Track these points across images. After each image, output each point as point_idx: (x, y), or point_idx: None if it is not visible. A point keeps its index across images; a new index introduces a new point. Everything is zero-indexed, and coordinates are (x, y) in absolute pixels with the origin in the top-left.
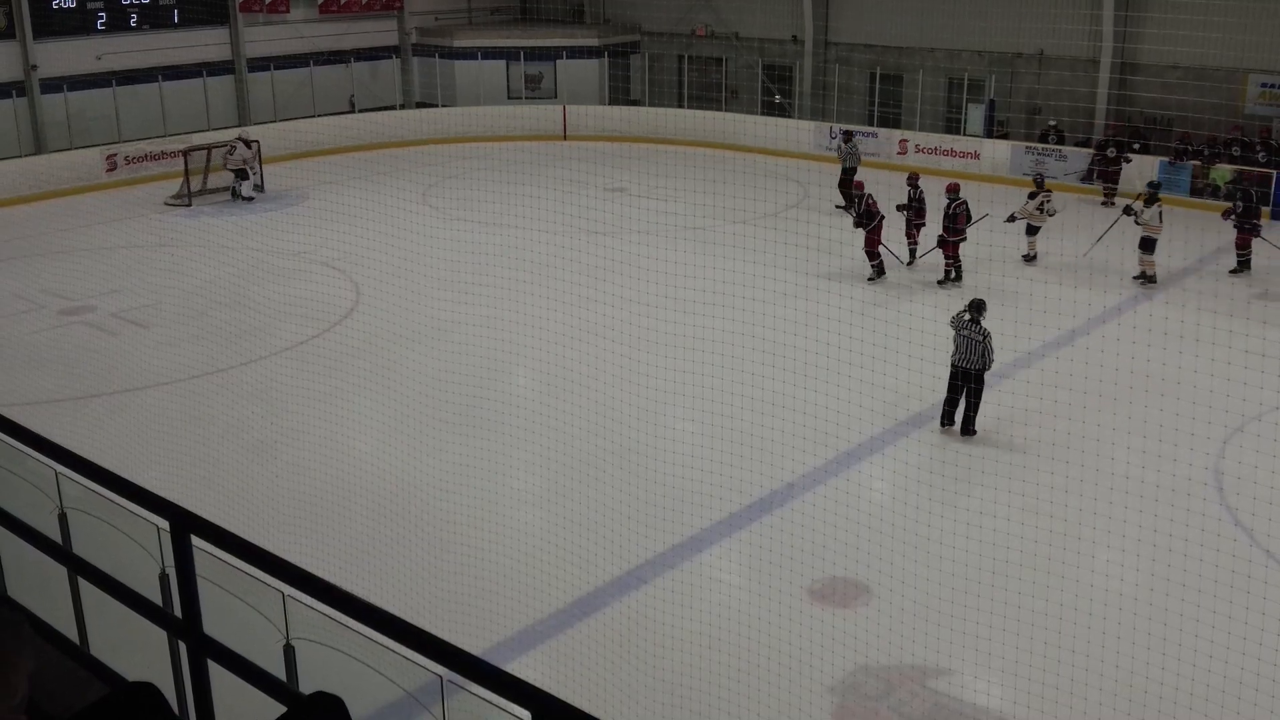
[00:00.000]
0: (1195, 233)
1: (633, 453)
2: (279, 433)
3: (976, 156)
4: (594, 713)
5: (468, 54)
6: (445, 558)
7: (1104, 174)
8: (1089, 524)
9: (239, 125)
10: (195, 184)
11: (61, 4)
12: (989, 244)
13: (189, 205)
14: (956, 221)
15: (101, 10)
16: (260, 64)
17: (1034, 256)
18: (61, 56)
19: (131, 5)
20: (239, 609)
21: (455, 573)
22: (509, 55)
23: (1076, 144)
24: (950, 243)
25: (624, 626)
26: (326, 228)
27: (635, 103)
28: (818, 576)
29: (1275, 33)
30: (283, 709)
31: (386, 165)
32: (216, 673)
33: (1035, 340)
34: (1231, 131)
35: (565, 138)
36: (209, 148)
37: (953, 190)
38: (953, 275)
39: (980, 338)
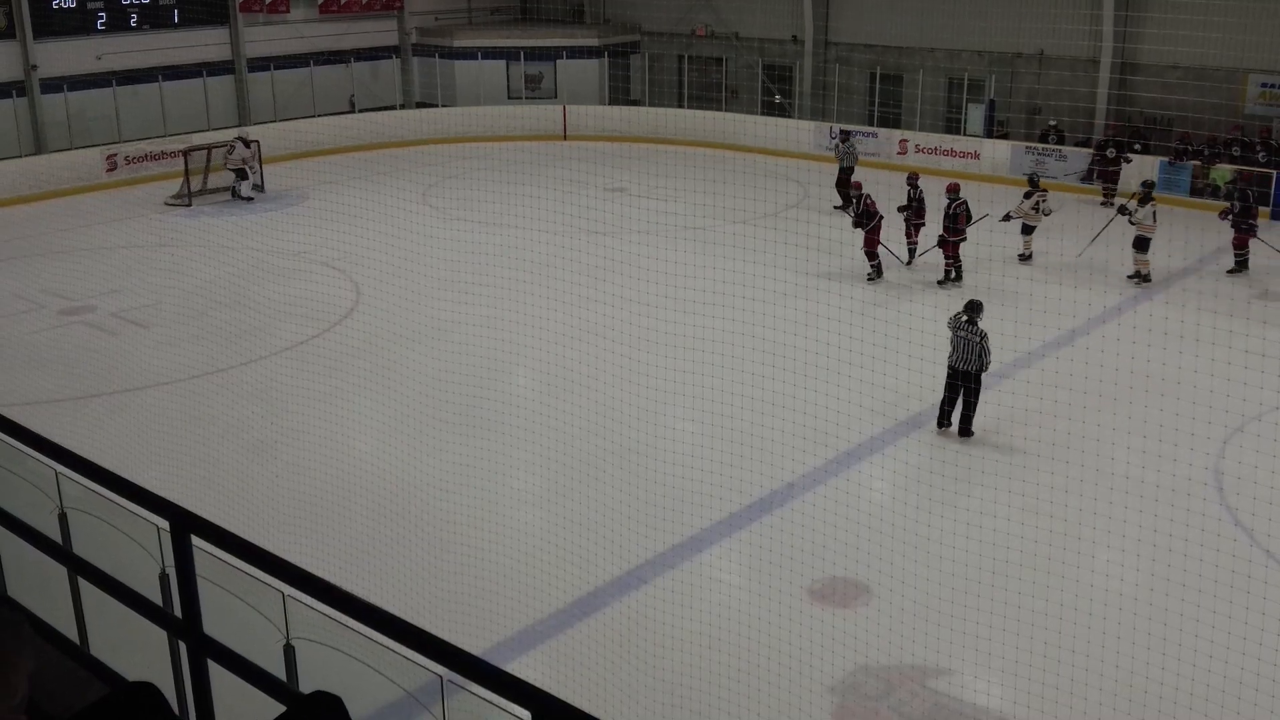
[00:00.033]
0: (1195, 233)
1: (633, 453)
2: (279, 433)
3: (976, 156)
4: (594, 713)
5: (468, 54)
6: (445, 558)
7: (1104, 174)
8: (1089, 524)
9: (239, 125)
10: (195, 184)
11: (61, 4)
12: (989, 244)
13: (189, 205)
14: (957, 221)
15: (101, 10)
16: (260, 64)
17: (1029, 255)
18: (62, 56)
19: (131, 5)
20: (239, 609)
21: (455, 573)
22: (509, 55)
23: (1076, 144)
24: (950, 243)
25: (624, 626)
26: (326, 228)
27: (635, 103)
28: (818, 576)
29: (1275, 33)
30: (282, 709)
31: (386, 165)
32: (216, 673)
33: (1035, 340)
34: (1231, 131)
35: (565, 138)
36: (209, 148)
37: (953, 190)
38: (953, 275)
39: (977, 339)
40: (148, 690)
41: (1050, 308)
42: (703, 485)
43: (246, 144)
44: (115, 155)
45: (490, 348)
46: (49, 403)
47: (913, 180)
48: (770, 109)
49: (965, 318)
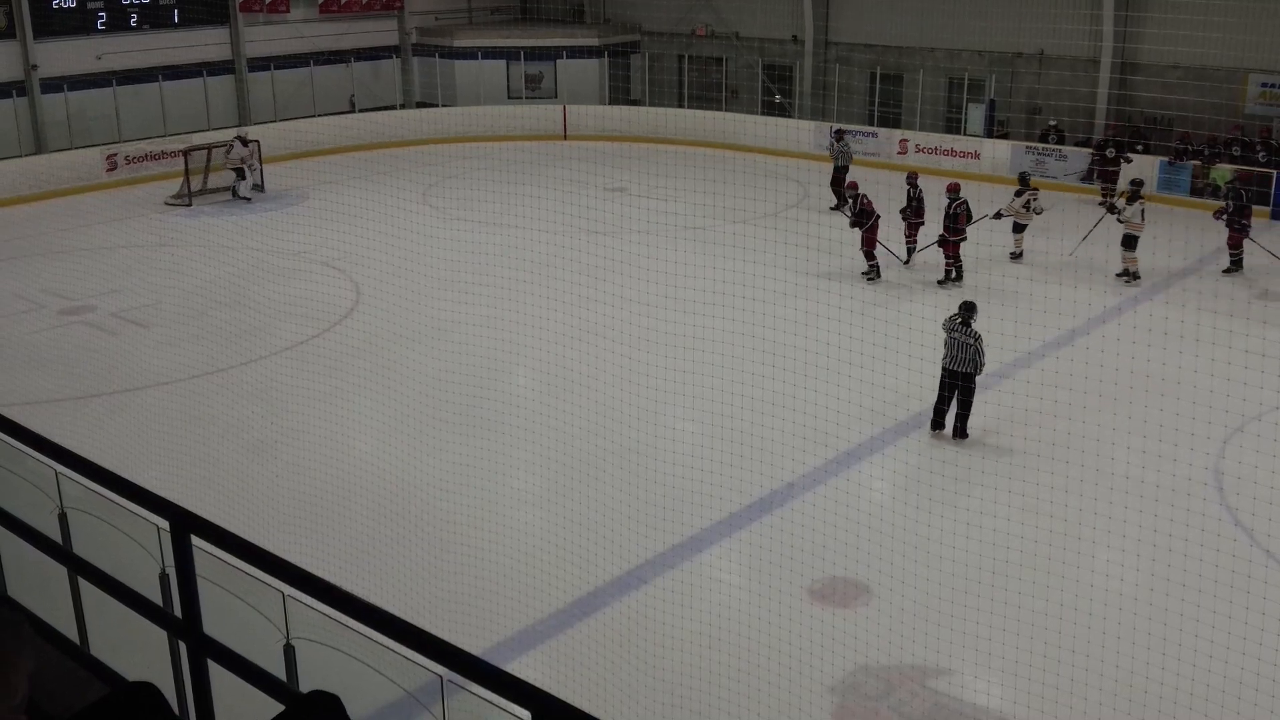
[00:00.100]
0: (1195, 233)
1: (633, 453)
2: (279, 433)
3: (977, 156)
4: (594, 713)
5: (468, 54)
6: (445, 558)
7: (1103, 174)
8: (1089, 524)
9: (239, 125)
10: (195, 184)
11: (62, 4)
12: (989, 244)
13: (189, 205)
14: (957, 221)
15: (102, 10)
16: (260, 64)
17: (1020, 254)
18: (62, 56)
19: (131, 5)
20: (239, 609)
21: (455, 573)
22: (509, 55)
23: (1077, 144)
24: (951, 242)
25: (624, 626)
26: (326, 228)
27: (635, 103)
28: (818, 576)
29: (1275, 33)
30: (282, 709)
31: (386, 165)
32: (216, 673)
33: (1035, 340)
34: (1232, 131)
35: (565, 138)
36: (209, 147)
37: (953, 190)
38: (953, 275)
39: (971, 340)
40: (148, 690)
41: (1049, 307)
42: (703, 485)
43: (245, 143)
44: (115, 155)
45: (490, 348)
46: (49, 403)
47: (912, 180)
48: (770, 109)
49: (959, 319)
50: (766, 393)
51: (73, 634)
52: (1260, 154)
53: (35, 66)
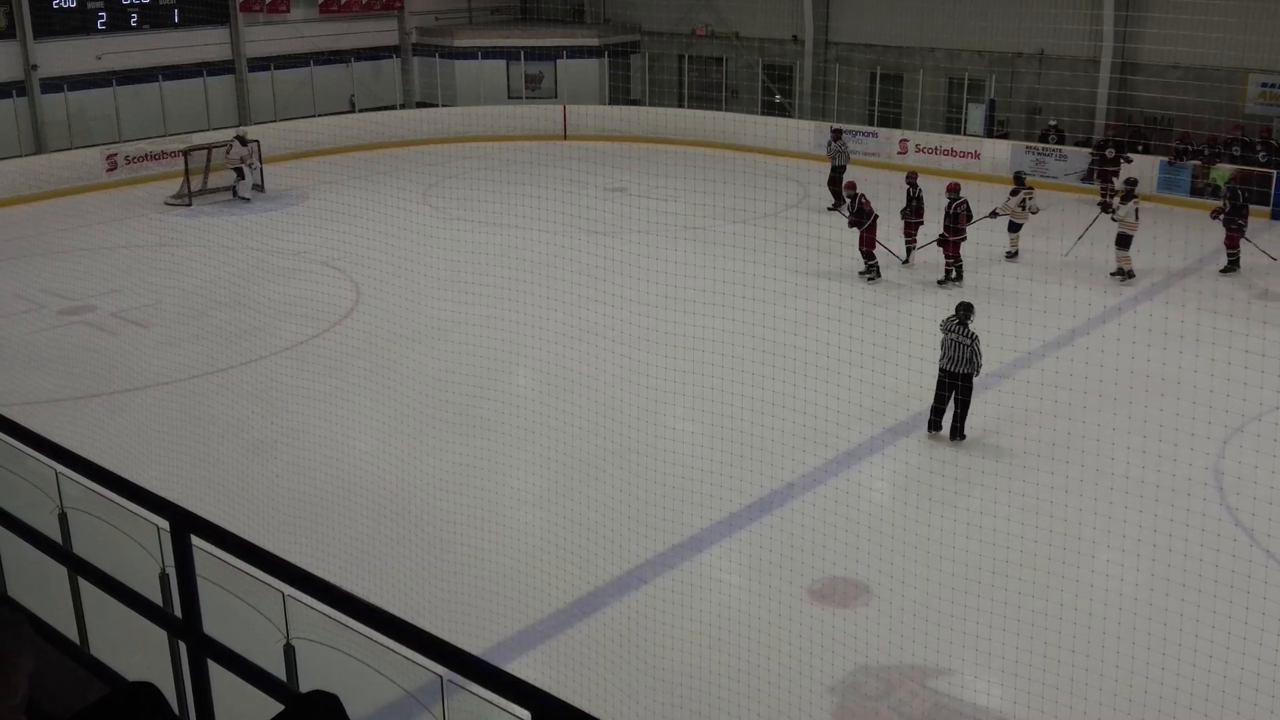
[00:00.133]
0: (1195, 233)
1: (633, 453)
2: (279, 433)
3: (977, 156)
4: (594, 713)
5: (468, 54)
6: (445, 558)
7: (1103, 174)
8: (1089, 524)
9: (239, 125)
10: (195, 184)
11: (62, 4)
12: (989, 244)
13: (189, 205)
14: (957, 221)
15: (102, 10)
16: (260, 64)
17: (1016, 253)
18: (62, 56)
19: (132, 5)
20: (239, 609)
21: (455, 573)
22: (509, 55)
23: (1077, 144)
24: (951, 242)
25: (624, 626)
26: (326, 228)
27: (635, 103)
28: (818, 576)
29: (1275, 33)
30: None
31: (386, 165)
32: (216, 673)
33: (1035, 340)
34: (1232, 131)
35: (565, 138)
36: (209, 147)
37: (953, 190)
38: (954, 275)
39: (968, 341)
40: (148, 690)
41: (1050, 308)
42: (703, 485)
43: (244, 142)
44: (115, 155)
45: (490, 348)
46: (49, 403)
47: (912, 180)
48: (770, 109)
49: (956, 320)
50: (766, 393)
51: (73, 634)
52: (1260, 154)
53: (35, 66)
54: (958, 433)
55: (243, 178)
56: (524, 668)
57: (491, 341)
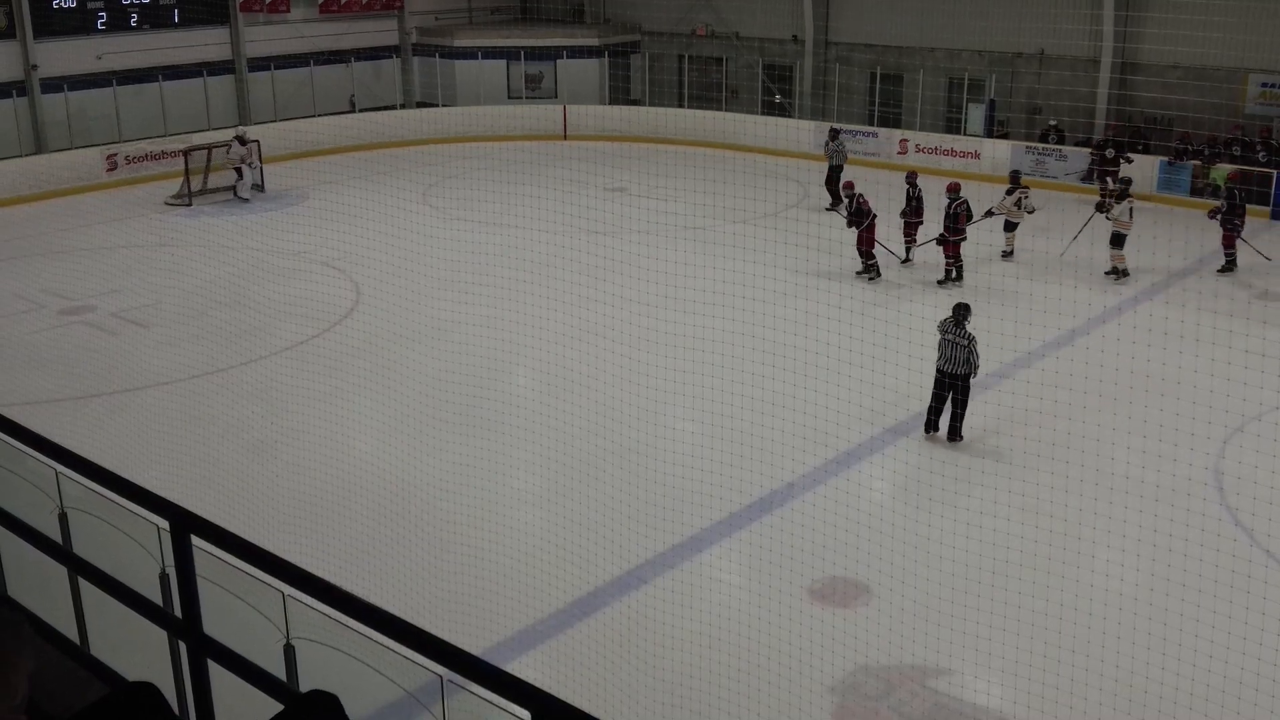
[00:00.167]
0: (1195, 233)
1: (633, 453)
2: (279, 433)
3: (977, 156)
4: (594, 713)
5: (468, 54)
6: (445, 558)
7: (1103, 174)
8: (1089, 524)
9: (239, 125)
10: (195, 184)
11: (62, 4)
12: (989, 244)
13: (189, 205)
14: (957, 221)
15: (102, 10)
16: (260, 64)
17: (1011, 253)
18: (62, 56)
19: (132, 5)
20: (239, 609)
21: (455, 573)
22: (509, 55)
23: (1077, 144)
24: (951, 242)
25: (624, 626)
26: (326, 228)
27: (635, 103)
28: (818, 576)
29: (1275, 33)
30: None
31: (386, 165)
32: (216, 673)
33: (1035, 340)
34: (1232, 131)
35: (565, 138)
36: (209, 147)
37: (953, 190)
38: (954, 275)
39: (965, 342)
40: (148, 690)
41: (1049, 307)
42: (703, 485)
43: (243, 142)
44: (115, 155)
45: (490, 348)
46: (49, 403)
47: (911, 179)
48: (770, 109)
49: (952, 321)
50: (766, 393)
51: (73, 634)
52: (1260, 154)
53: (35, 66)
54: (955, 434)
55: (241, 177)
56: (524, 668)
57: (491, 341)
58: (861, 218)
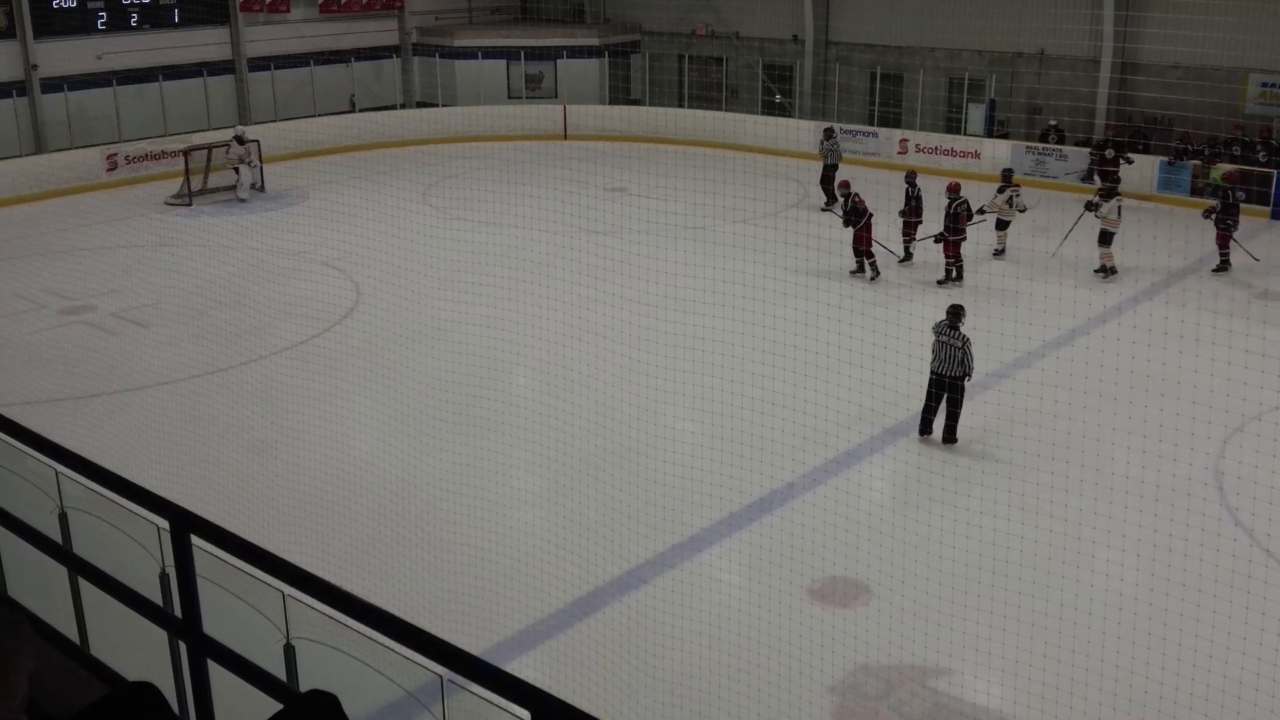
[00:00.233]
0: (1195, 233)
1: (633, 453)
2: (279, 433)
3: (977, 156)
4: (594, 713)
5: (468, 54)
6: (445, 558)
7: (1103, 174)
8: (1089, 524)
9: (237, 125)
10: (195, 183)
11: (62, 4)
12: (989, 244)
13: (189, 205)
14: (957, 221)
15: (102, 10)
16: (260, 64)
17: (1003, 251)
18: (62, 56)
19: (132, 5)
20: (239, 609)
21: (455, 573)
22: (509, 55)
23: (1077, 144)
24: (951, 242)
25: (624, 626)
26: (326, 228)
27: (635, 103)
28: (818, 576)
29: (1275, 33)
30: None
31: (386, 165)
32: (216, 673)
33: (1035, 340)
34: (1232, 131)
35: (565, 137)
36: (209, 147)
37: (953, 190)
38: (954, 275)
39: (959, 344)
40: (148, 690)
41: (1048, 307)
42: (703, 485)
43: (242, 142)
44: (115, 155)
45: (490, 348)
46: (49, 403)
47: (911, 179)
48: (770, 109)
49: (946, 323)
50: (766, 393)
51: (73, 634)
52: (1260, 154)
53: (35, 66)
54: (949, 437)
55: (240, 177)
56: (524, 668)
57: (491, 341)
58: (857, 217)
